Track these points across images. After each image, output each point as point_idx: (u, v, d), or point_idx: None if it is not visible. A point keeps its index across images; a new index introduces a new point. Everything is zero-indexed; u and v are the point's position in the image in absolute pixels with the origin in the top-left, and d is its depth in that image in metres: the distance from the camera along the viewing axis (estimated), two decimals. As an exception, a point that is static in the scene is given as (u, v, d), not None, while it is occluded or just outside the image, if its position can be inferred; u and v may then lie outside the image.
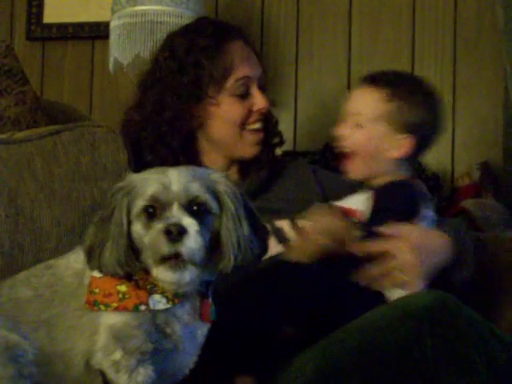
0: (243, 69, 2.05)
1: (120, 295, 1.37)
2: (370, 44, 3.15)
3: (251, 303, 1.71)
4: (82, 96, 3.42)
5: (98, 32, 3.39)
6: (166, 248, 1.31)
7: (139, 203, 1.36)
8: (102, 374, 1.39)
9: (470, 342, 1.48)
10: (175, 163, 1.80)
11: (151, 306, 1.38)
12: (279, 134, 2.22)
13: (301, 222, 1.83)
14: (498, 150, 2.98)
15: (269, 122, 2.14)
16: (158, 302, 1.38)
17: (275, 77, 3.23)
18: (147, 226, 1.35)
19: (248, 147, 2.09)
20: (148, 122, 2.05)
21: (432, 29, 3.09)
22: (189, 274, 1.33)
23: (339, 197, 2.04)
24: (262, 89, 2.10)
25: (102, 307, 1.37)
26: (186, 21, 2.79)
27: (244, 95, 2.05)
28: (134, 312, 1.37)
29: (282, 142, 2.24)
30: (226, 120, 2.05)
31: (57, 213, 1.83)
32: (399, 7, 3.14)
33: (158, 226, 1.32)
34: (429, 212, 1.89)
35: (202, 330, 1.47)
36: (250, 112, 2.06)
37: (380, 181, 1.92)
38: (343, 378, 1.56)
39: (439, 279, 1.76)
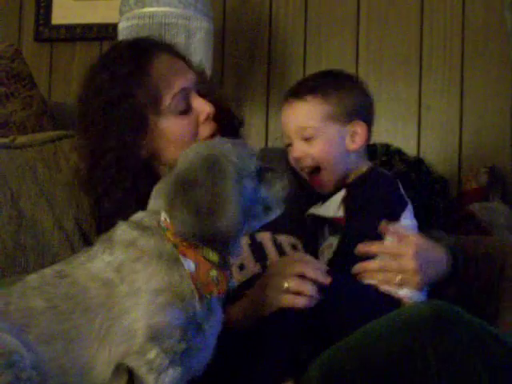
0: (176, 82, 1.86)
1: (215, 280, 1.44)
2: (377, 46, 3.14)
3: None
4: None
5: (106, 33, 3.39)
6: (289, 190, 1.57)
7: (254, 165, 1.52)
8: (129, 373, 1.40)
9: (471, 350, 1.48)
10: (137, 203, 1.69)
11: (231, 285, 1.49)
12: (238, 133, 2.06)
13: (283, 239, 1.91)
14: (505, 153, 2.97)
15: (224, 122, 1.98)
16: (231, 279, 1.50)
17: (283, 79, 3.23)
18: (268, 178, 1.54)
19: None
20: (94, 170, 1.83)
21: (440, 32, 3.09)
22: None
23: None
24: (203, 93, 1.93)
25: (208, 296, 1.44)
26: (194, 23, 2.80)
27: (186, 109, 1.87)
28: (179, 307, 1.40)
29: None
30: (176, 141, 1.85)
31: (58, 217, 1.83)
32: (407, 10, 3.13)
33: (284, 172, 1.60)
34: (409, 221, 1.90)
35: (221, 317, 1.50)
36: (197, 123, 1.89)
37: (350, 179, 1.91)
38: None
39: (433, 292, 1.83)
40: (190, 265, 1.43)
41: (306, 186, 2.01)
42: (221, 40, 3.27)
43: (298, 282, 1.65)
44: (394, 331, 1.54)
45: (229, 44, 3.31)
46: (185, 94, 1.85)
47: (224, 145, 1.53)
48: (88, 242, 1.81)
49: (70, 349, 1.40)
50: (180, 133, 1.85)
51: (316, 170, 1.91)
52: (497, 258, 2.23)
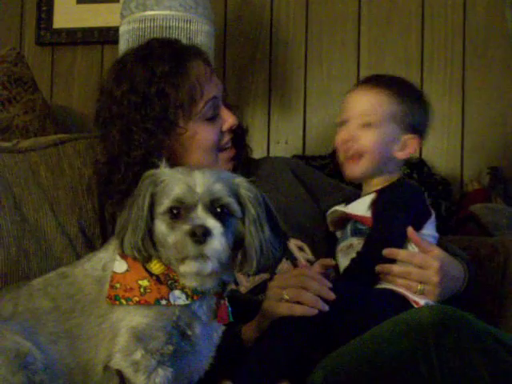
0: (209, 90, 1.92)
1: (141, 289, 1.41)
2: (379, 48, 3.15)
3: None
4: (91, 101, 3.41)
5: (107, 37, 3.40)
6: (191, 249, 1.35)
7: (165, 202, 1.39)
8: (120, 375, 1.41)
9: (475, 355, 1.48)
10: None
11: (172, 301, 1.42)
12: (247, 147, 2.16)
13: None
14: (507, 154, 2.97)
15: (238, 136, 2.07)
16: (178, 298, 1.42)
17: (284, 82, 3.23)
18: (171, 226, 1.39)
19: (224, 166, 2.00)
20: (117, 164, 1.85)
21: (441, 33, 3.09)
22: (211, 266, 1.37)
23: (325, 194, 2.14)
24: (227, 104, 2.01)
25: (123, 301, 1.40)
26: (194, 25, 2.79)
27: (214, 117, 1.93)
28: (156, 310, 1.41)
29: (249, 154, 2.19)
30: (202, 147, 1.92)
31: (61, 221, 1.84)
32: (408, 12, 3.14)
33: (184, 227, 1.36)
34: (431, 231, 1.92)
35: (218, 332, 1.51)
36: (221, 132, 1.96)
37: (376, 181, 1.94)
38: None
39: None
40: (121, 265, 1.44)
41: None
42: (222, 43, 3.28)
43: (298, 292, 1.68)
44: (398, 335, 1.54)
45: (230, 47, 3.31)
46: (215, 101, 1.92)
47: (169, 173, 1.45)
48: (91, 246, 1.82)
49: (74, 347, 1.42)
50: (205, 138, 1.91)
51: (357, 156, 1.92)
52: (499, 259, 2.23)
